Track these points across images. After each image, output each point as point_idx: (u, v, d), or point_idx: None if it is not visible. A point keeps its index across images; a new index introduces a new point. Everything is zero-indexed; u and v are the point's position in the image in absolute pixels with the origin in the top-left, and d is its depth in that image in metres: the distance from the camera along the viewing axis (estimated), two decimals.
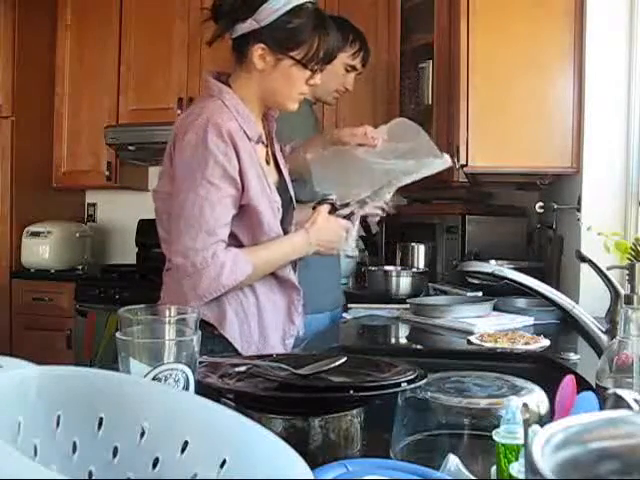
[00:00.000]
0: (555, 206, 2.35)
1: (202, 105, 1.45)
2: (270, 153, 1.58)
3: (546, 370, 1.46)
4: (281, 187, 1.56)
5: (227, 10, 1.43)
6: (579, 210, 2.13)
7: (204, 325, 1.31)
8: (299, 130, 1.80)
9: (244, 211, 1.44)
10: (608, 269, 1.34)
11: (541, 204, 2.37)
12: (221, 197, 1.39)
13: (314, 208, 1.58)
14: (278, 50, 1.43)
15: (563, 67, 2.18)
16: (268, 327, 1.51)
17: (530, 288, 1.17)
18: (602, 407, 0.67)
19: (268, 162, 1.55)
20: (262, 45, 1.43)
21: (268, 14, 1.41)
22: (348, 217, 1.56)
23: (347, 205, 1.54)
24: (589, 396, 0.67)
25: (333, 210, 1.53)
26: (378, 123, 1.76)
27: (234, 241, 1.45)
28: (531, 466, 0.38)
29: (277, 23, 1.41)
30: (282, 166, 1.61)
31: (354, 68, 2.19)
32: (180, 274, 1.39)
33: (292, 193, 1.62)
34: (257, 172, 1.45)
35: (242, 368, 0.95)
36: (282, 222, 1.52)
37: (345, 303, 2.32)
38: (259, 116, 1.55)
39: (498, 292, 2.06)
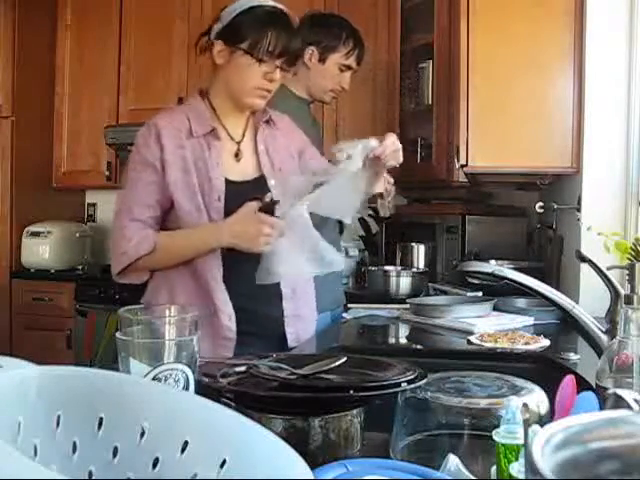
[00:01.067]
0: (555, 206, 2.35)
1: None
2: (246, 151, 1.64)
3: (546, 370, 1.46)
4: (251, 187, 1.59)
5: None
6: (579, 210, 2.13)
7: None
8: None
9: (169, 210, 1.57)
10: (608, 269, 1.34)
11: (541, 204, 2.37)
12: (140, 180, 1.55)
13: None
14: (230, 44, 1.56)
15: (563, 67, 2.18)
16: None
17: (530, 288, 1.17)
18: (602, 407, 0.67)
19: (237, 157, 1.63)
20: (220, 41, 1.58)
21: (228, 14, 1.58)
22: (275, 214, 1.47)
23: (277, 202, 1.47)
24: (589, 396, 0.67)
25: (270, 206, 1.46)
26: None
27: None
28: (531, 466, 0.38)
29: (233, 21, 1.56)
30: (265, 167, 1.63)
31: (349, 67, 2.19)
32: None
33: (275, 190, 1.59)
34: (188, 165, 1.55)
35: (242, 368, 0.95)
36: None
37: (345, 303, 2.32)
38: (234, 114, 1.64)
39: (498, 292, 2.06)
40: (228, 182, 1.56)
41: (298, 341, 1.63)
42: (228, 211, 1.51)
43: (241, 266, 1.53)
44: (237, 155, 1.63)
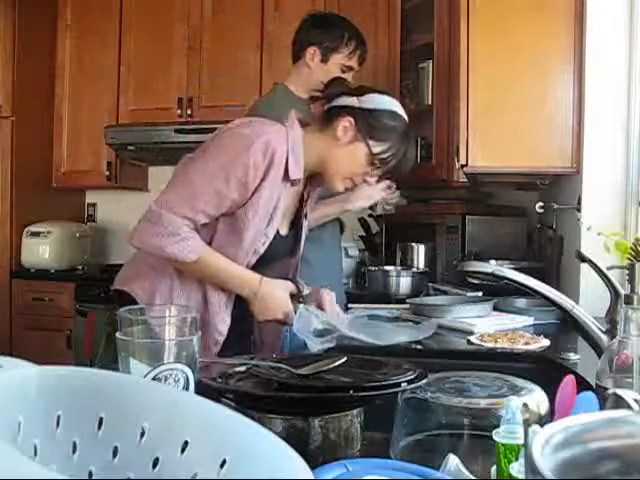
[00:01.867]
0: (555, 206, 2.35)
1: (267, 122, 1.54)
2: (297, 210, 1.67)
3: (546, 370, 1.46)
4: (288, 240, 1.65)
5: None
6: (579, 210, 2.13)
7: (128, 300, 1.52)
8: None
9: (232, 220, 1.51)
10: (608, 269, 1.35)
11: (541, 204, 2.37)
12: (224, 193, 1.46)
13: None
14: (362, 132, 1.53)
15: (563, 67, 2.18)
16: None
17: (530, 288, 1.17)
18: (602, 407, 0.67)
19: (297, 216, 1.67)
20: (352, 119, 1.53)
21: (371, 101, 1.55)
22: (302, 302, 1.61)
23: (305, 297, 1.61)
24: (589, 396, 0.67)
25: (297, 297, 1.59)
26: None
27: (206, 240, 1.53)
28: (531, 466, 0.38)
29: (375, 112, 1.54)
30: (303, 225, 1.70)
31: (350, 68, 2.19)
32: (146, 215, 1.48)
33: (299, 249, 1.70)
34: (269, 203, 1.51)
35: (242, 368, 0.95)
36: (262, 266, 1.58)
37: (346, 303, 2.32)
38: (309, 172, 1.61)
39: (498, 292, 2.06)
40: (276, 232, 1.59)
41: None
42: (262, 255, 1.57)
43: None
44: (297, 215, 1.67)
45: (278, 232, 1.59)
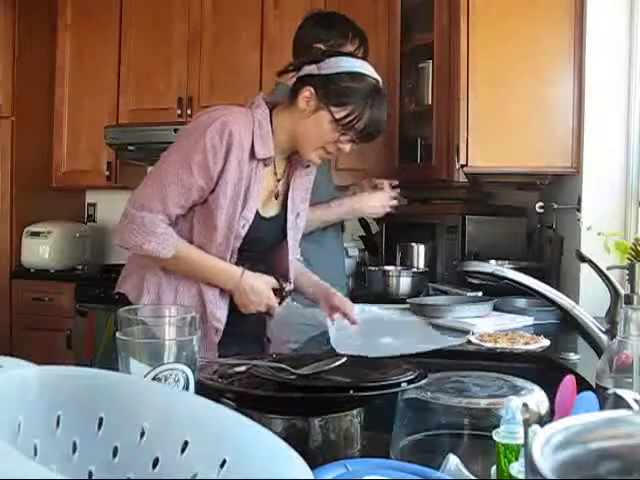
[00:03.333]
0: (555, 206, 2.35)
1: (230, 107, 1.54)
2: (281, 189, 1.65)
3: (546, 370, 1.46)
4: (273, 223, 1.63)
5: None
6: (579, 210, 2.13)
7: (125, 301, 1.56)
8: None
9: (206, 208, 1.53)
10: (608, 269, 1.34)
11: (541, 204, 2.37)
12: (189, 181, 1.48)
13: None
14: (323, 100, 1.49)
15: (563, 67, 2.18)
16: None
17: (530, 288, 1.17)
18: (602, 407, 0.67)
19: (277, 197, 1.64)
20: (312, 89, 1.50)
21: (332, 66, 1.50)
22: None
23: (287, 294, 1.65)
24: (589, 396, 0.67)
25: (280, 292, 1.62)
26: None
27: (186, 233, 1.55)
28: (531, 466, 0.38)
29: (335, 77, 1.49)
30: (290, 207, 1.66)
31: None
32: (122, 214, 1.52)
33: (290, 233, 1.67)
34: (239, 184, 1.51)
35: (242, 368, 0.95)
36: (251, 251, 1.58)
37: None
38: (284, 150, 1.60)
39: (498, 292, 2.05)
40: (256, 214, 1.57)
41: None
42: (250, 240, 1.56)
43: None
44: (276, 196, 1.64)
45: (259, 215, 1.58)
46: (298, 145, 1.57)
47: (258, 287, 1.57)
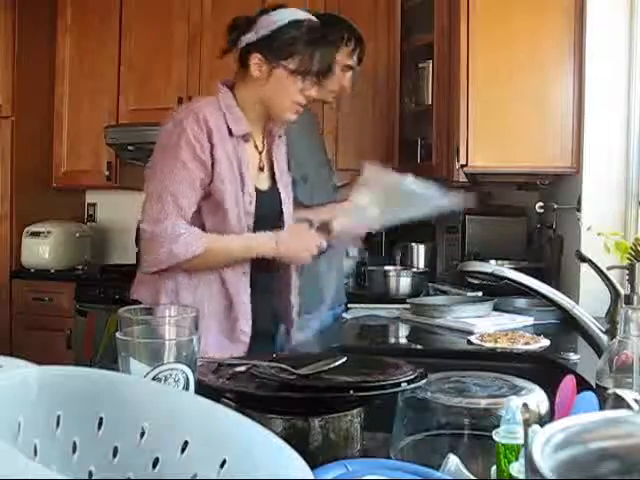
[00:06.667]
0: (555, 206, 2.35)
1: (196, 100, 1.58)
2: (265, 161, 1.66)
3: (546, 370, 1.46)
4: (269, 196, 1.63)
5: (237, 25, 1.59)
6: (579, 210, 2.13)
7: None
8: (292, 126, 1.81)
9: (211, 200, 1.54)
10: (608, 269, 1.34)
11: (541, 204, 2.37)
12: (189, 176, 1.49)
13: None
14: (273, 59, 1.54)
15: (563, 67, 2.18)
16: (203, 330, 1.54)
17: (530, 288, 1.17)
18: (602, 407, 0.67)
19: (262, 169, 1.65)
20: (258, 55, 1.54)
21: (266, 25, 1.54)
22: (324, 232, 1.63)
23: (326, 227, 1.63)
24: (589, 396, 0.67)
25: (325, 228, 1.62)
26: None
27: (200, 228, 1.54)
28: (531, 466, 0.38)
29: (274, 35, 1.53)
30: (279, 179, 1.67)
31: (350, 67, 2.19)
32: (143, 241, 1.52)
33: (285, 208, 1.67)
34: (231, 163, 1.53)
35: (242, 368, 0.95)
36: (258, 229, 1.57)
37: (346, 302, 2.32)
38: (258, 123, 1.63)
39: (498, 292, 2.06)
40: (255, 189, 1.58)
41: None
42: (256, 217, 1.57)
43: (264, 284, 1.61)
44: (262, 168, 1.65)
45: (257, 189, 1.59)
46: (269, 110, 1.60)
47: (295, 232, 1.57)
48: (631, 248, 1.66)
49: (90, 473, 0.55)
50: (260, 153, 1.65)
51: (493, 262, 2.22)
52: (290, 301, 1.70)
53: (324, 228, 1.59)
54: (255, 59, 1.54)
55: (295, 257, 1.59)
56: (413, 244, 2.78)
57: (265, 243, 1.55)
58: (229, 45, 1.61)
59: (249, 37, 1.55)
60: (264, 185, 1.64)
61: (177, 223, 1.48)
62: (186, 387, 0.76)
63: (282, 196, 1.67)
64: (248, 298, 1.58)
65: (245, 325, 1.56)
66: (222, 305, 1.56)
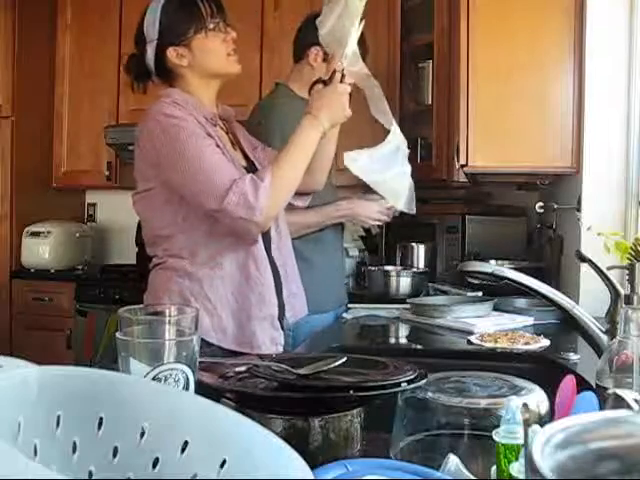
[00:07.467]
0: (555, 206, 2.35)
1: (154, 105, 1.60)
2: (234, 140, 1.69)
3: (546, 370, 1.46)
4: (250, 172, 1.60)
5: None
6: (579, 210, 2.13)
7: None
8: (291, 124, 1.81)
9: None
10: (608, 269, 1.34)
11: (541, 204, 2.37)
12: (211, 141, 1.50)
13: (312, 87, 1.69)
14: (181, 42, 1.58)
15: (563, 67, 2.18)
16: (248, 318, 1.54)
17: (530, 288, 1.17)
18: (602, 407, 0.67)
19: (234, 146, 1.67)
20: (170, 48, 1.58)
21: (151, 26, 1.60)
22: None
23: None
24: (589, 396, 0.67)
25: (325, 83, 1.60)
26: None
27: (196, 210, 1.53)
28: (531, 466, 0.38)
29: (166, 24, 1.58)
30: (250, 155, 1.70)
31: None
32: (233, 217, 1.44)
33: None
34: (219, 141, 1.54)
35: (242, 368, 0.95)
36: None
37: (347, 302, 2.32)
38: (211, 103, 1.66)
39: (498, 292, 2.06)
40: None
41: (296, 317, 1.71)
42: None
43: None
44: (233, 144, 1.67)
45: (242, 165, 1.61)
46: (218, 78, 1.64)
47: (327, 96, 1.54)
48: (631, 248, 1.66)
49: (90, 473, 0.55)
50: (227, 133, 1.68)
51: (493, 262, 2.22)
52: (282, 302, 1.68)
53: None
54: (172, 52, 1.58)
55: (340, 118, 1.56)
56: (413, 244, 2.77)
57: (311, 131, 1.52)
58: (136, 53, 1.70)
59: (150, 47, 1.62)
60: (242, 162, 1.65)
61: (242, 178, 1.45)
62: (186, 387, 0.76)
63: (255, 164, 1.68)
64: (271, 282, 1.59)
65: (274, 307, 1.59)
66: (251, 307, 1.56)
